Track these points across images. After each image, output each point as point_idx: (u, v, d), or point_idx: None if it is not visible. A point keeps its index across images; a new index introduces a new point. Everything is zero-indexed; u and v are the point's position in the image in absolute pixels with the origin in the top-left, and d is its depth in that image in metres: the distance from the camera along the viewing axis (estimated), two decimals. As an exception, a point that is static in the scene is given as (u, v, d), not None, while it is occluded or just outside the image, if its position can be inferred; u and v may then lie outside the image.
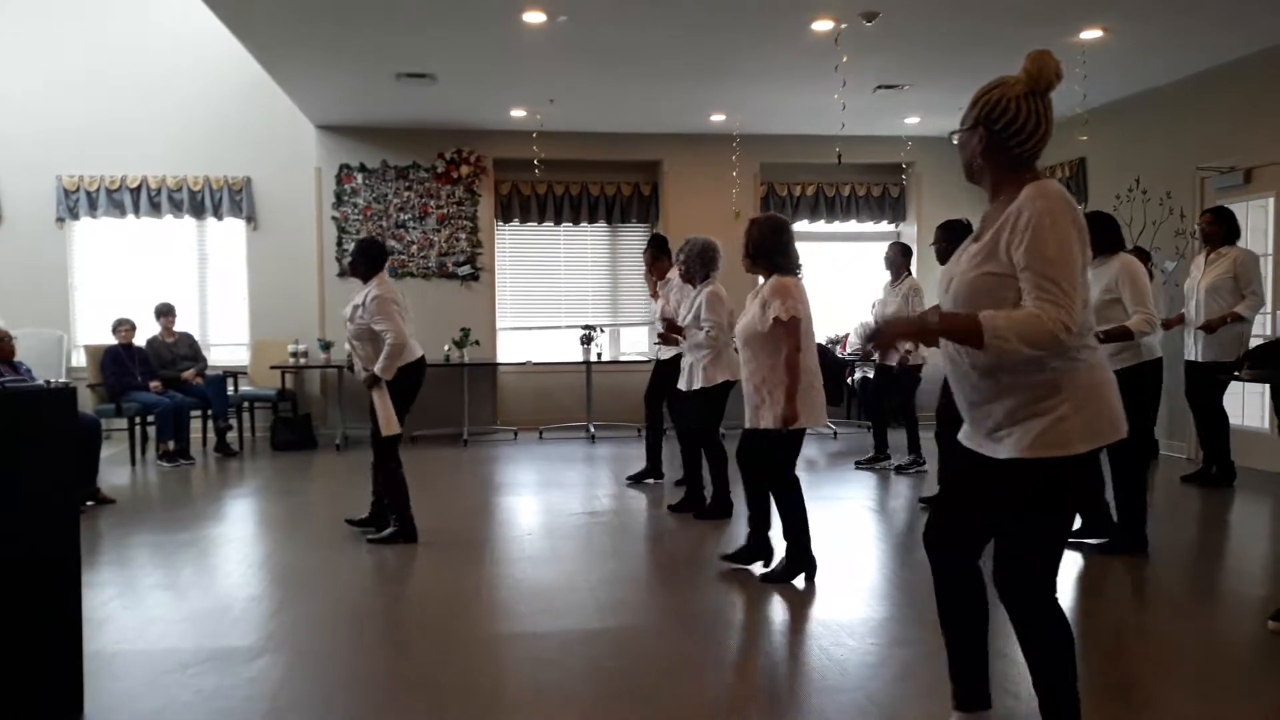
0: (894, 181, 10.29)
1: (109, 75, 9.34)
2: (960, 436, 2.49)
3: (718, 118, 9.10)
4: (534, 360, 9.54)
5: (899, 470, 7.14)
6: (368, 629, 3.95)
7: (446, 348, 9.18)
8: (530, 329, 10.13)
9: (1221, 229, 6.37)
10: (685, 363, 5.58)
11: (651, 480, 6.89)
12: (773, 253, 4.26)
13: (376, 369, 5.06)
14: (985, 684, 2.59)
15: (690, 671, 3.35)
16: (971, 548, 2.51)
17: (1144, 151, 8.26)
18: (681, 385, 5.64)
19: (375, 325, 5.06)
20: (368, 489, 5.43)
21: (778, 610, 4.07)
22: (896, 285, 7.27)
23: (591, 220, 10.05)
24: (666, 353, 6.43)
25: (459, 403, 9.31)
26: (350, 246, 9.31)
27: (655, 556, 5.11)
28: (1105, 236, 4.72)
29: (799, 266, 4.38)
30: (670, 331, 5.74)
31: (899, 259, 7.32)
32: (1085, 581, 4.43)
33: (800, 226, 10.37)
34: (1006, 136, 2.33)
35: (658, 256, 6.84)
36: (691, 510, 5.82)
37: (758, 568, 4.52)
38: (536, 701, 3.14)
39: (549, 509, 6.21)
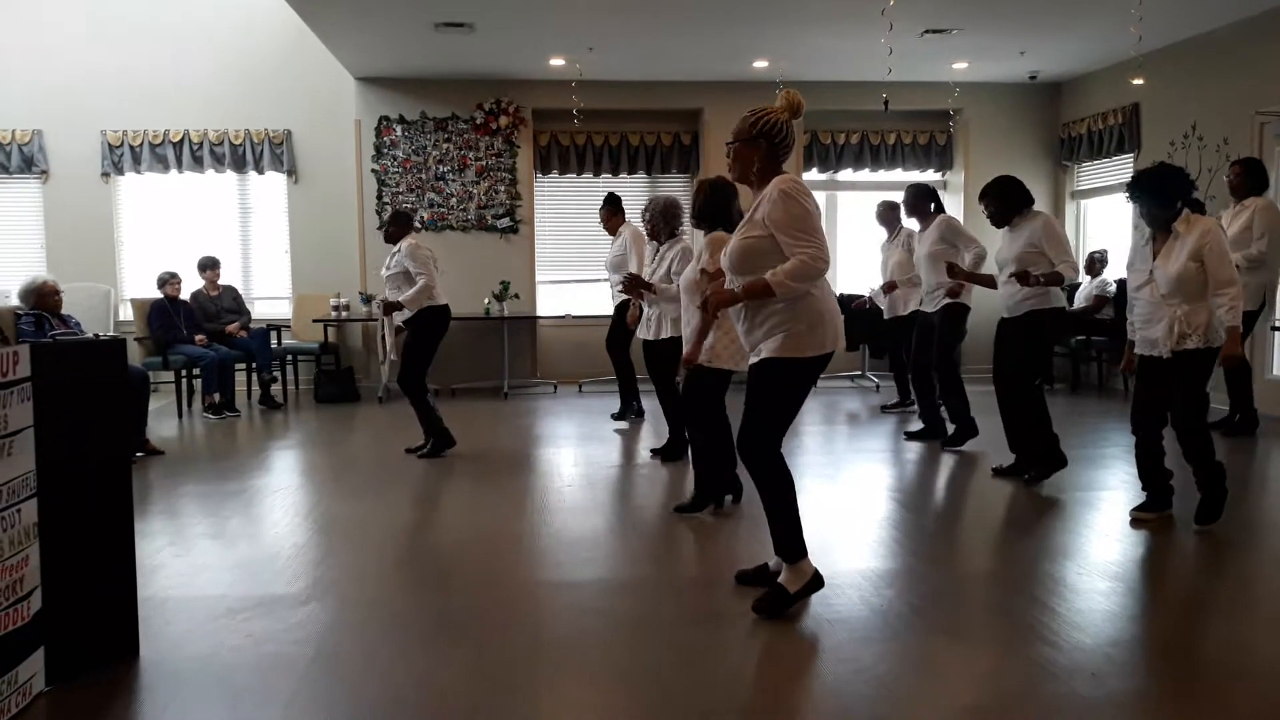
0: (941, 129, 10.07)
1: (150, 29, 9.36)
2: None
3: (760, 64, 8.93)
4: (573, 313, 9.53)
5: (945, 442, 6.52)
6: (411, 576, 4.00)
7: (486, 301, 9.20)
8: (569, 282, 10.10)
9: (1248, 180, 6.23)
10: (650, 313, 5.67)
11: (631, 417, 7.59)
12: (715, 213, 4.57)
13: (403, 298, 6.00)
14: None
15: (731, 622, 3.36)
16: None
17: (1200, 96, 7.99)
18: (647, 335, 5.74)
19: (411, 268, 5.99)
20: (408, 439, 5.47)
21: (819, 562, 4.05)
22: (893, 240, 7.54)
23: (631, 171, 9.95)
24: (620, 299, 7.08)
25: (499, 356, 9.34)
26: (389, 199, 9.40)
27: (695, 508, 5.11)
28: (1016, 197, 5.16)
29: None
30: (636, 286, 5.63)
31: (891, 215, 7.55)
32: (1076, 519, 4.38)
33: (844, 175, 10.24)
34: (779, 146, 3.29)
35: (613, 214, 7.51)
36: (667, 454, 6.05)
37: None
38: (577, 647, 3.18)
39: (588, 460, 6.23)
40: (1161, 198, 4.18)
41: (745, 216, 3.35)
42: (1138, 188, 4.23)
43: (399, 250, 6.10)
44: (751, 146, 3.29)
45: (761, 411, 3.32)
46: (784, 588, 3.35)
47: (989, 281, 5.50)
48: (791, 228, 3.15)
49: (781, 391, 3.30)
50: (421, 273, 6.00)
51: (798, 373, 3.28)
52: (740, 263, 3.29)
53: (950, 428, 6.30)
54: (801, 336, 3.22)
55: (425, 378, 6.13)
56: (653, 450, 6.22)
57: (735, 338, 4.29)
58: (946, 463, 5.99)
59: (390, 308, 6.10)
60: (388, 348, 6.17)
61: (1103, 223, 9.71)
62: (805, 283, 3.16)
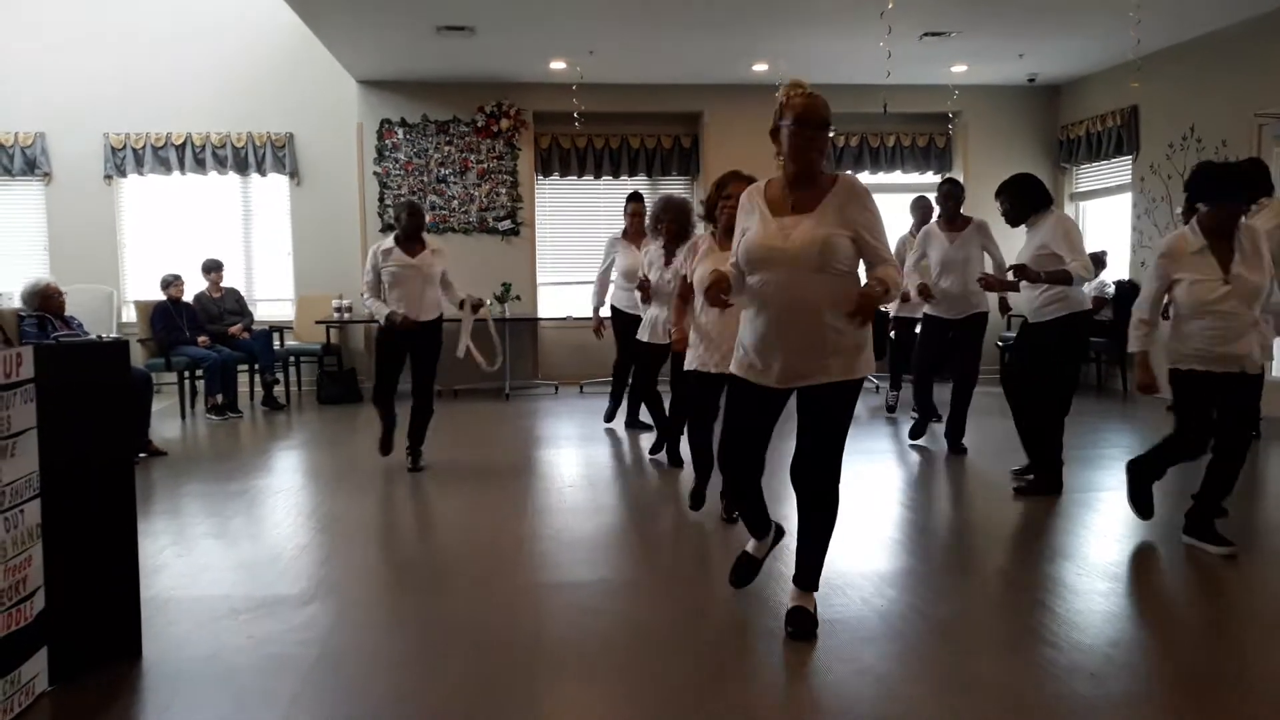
0: (940, 131, 10.09)
1: (153, 32, 9.39)
2: (761, 380, 3.16)
3: (760, 67, 8.95)
4: (575, 315, 9.53)
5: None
6: (413, 577, 4.02)
7: (488, 302, 9.19)
8: (571, 284, 10.11)
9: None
10: (658, 316, 5.49)
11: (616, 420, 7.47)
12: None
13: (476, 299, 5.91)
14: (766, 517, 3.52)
15: (731, 622, 3.37)
16: (764, 449, 3.34)
17: (1199, 98, 8.01)
18: (644, 336, 5.68)
19: (448, 272, 5.81)
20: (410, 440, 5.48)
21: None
22: (917, 237, 7.36)
23: (632, 173, 9.97)
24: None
25: (500, 357, 9.33)
26: (391, 202, 9.41)
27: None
28: (1032, 196, 5.02)
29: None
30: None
31: (929, 213, 7.45)
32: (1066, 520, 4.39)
33: (843, 178, 10.23)
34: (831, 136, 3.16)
35: (641, 213, 7.01)
36: (660, 451, 6.08)
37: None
38: (577, 647, 3.19)
39: (589, 462, 6.25)
40: (1246, 195, 3.98)
41: (811, 209, 3.02)
42: (1236, 185, 3.91)
43: (436, 249, 5.78)
44: (827, 135, 3.10)
45: (841, 438, 3.17)
46: (808, 610, 3.24)
47: (1015, 287, 5.31)
48: (881, 232, 3.06)
49: (852, 413, 3.19)
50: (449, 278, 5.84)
51: (857, 391, 3.19)
52: (824, 261, 2.99)
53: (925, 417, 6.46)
54: (869, 353, 3.15)
55: None
56: (652, 451, 6.23)
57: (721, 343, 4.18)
58: (947, 464, 5.99)
59: (479, 304, 5.96)
60: (471, 349, 5.90)
61: (1102, 224, 9.72)
62: (899, 291, 3.09)
